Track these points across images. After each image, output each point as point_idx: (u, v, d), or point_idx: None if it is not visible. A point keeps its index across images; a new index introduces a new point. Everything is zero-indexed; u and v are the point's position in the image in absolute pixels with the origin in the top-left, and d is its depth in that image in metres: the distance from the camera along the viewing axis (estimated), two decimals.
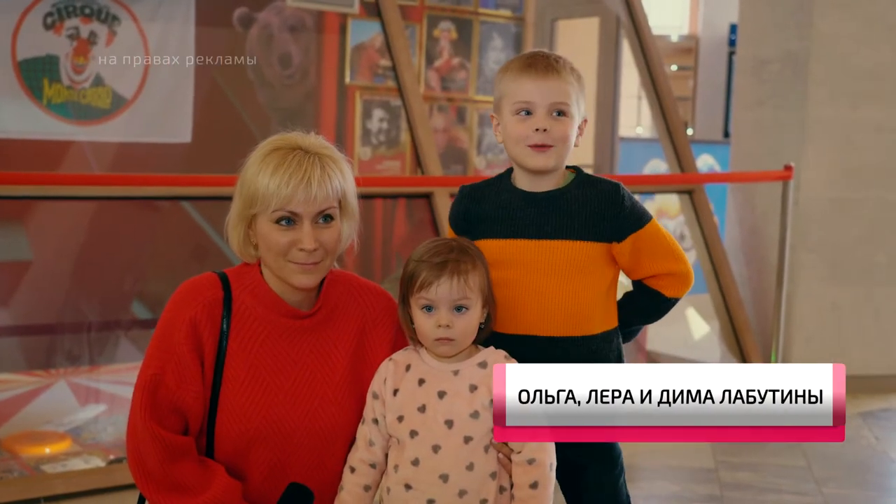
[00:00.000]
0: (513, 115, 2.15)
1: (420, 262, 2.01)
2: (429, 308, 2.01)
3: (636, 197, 2.22)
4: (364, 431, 2.09)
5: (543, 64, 2.14)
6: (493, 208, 2.20)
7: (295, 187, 2.01)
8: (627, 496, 2.29)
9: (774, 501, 3.86)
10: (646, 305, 2.28)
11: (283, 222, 2.03)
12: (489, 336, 2.13)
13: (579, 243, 2.14)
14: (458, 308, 2.00)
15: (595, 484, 2.22)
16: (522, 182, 2.20)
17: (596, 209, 2.15)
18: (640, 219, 2.18)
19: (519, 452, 1.99)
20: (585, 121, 2.20)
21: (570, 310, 2.14)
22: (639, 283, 2.27)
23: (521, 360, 2.02)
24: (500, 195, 2.21)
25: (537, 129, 2.12)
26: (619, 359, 2.24)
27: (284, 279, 2.08)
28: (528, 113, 2.13)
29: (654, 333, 5.84)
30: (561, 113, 2.12)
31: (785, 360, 5.33)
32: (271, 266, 2.08)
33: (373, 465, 2.08)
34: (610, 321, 2.22)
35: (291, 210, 2.02)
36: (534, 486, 1.99)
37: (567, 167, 2.23)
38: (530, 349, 2.13)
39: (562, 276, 2.14)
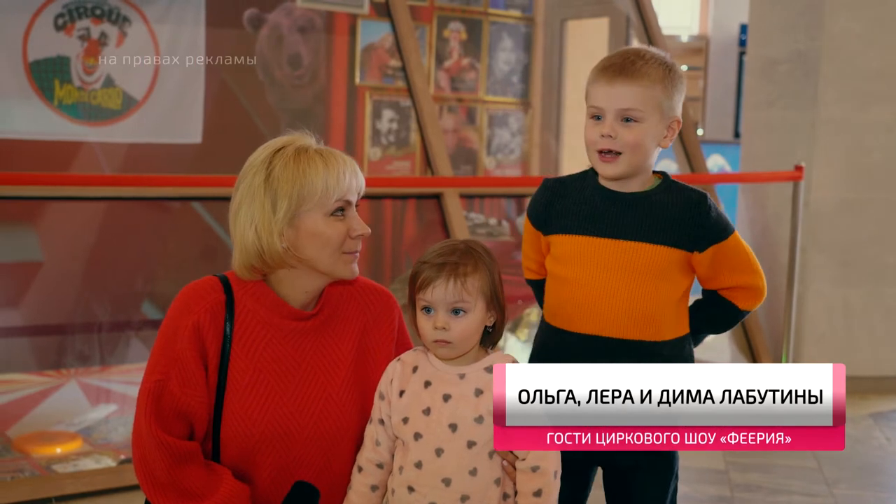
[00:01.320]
0: (588, 118, 2.14)
1: (423, 264, 2.01)
2: (428, 309, 2.00)
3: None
4: (371, 431, 2.09)
5: (618, 68, 2.09)
6: (576, 203, 2.17)
7: (351, 177, 2.08)
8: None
9: (785, 502, 3.85)
10: (718, 316, 2.26)
11: (338, 213, 2.07)
12: (555, 336, 2.16)
13: (659, 247, 2.12)
14: (456, 311, 1.99)
15: (643, 489, 2.19)
16: (607, 181, 2.17)
17: (679, 216, 2.13)
18: (724, 230, 2.15)
19: (523, 459, 1.99)
20: (678, 121, 2.15)
21: (643, 313, 2.12)
22: (712, 293, 2.24)
23: (587, 361, 1.97)
24: (584, 191, 2.18)
25: (603, 135, 2.10)
26: None
27: (335, 274, 2.10)
28: (600, 118, 2.11)
29: None
30: (630, 119, 2.09)
31: (795, 361, 5.31)
32: (321, 263, 2.08)
33: (380, 465, 2.08)
34: (682, 328, 2.19)
35: (348, 199, 2.08)
36: (537, 494, 1.98)
37: (654, 172, 2.20)
38: (599, 350, 2.11)
39: (638, 279, 2.11)
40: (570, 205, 2.18)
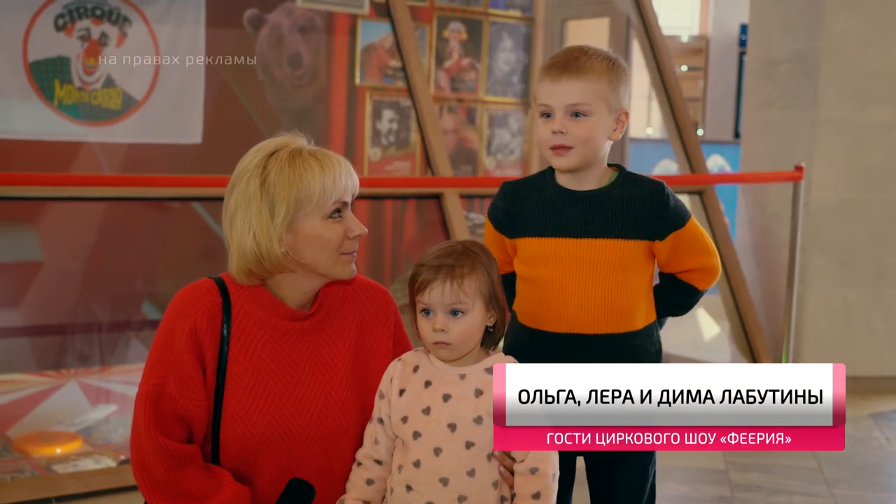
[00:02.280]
0: (538, 117, 2.18)
1: (421, 266, 2.02)
2: (427, 311, 2.01)
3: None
4: (371, 430, 2.09)
5: (562, 65, 2.14)
6: (537, 206, 2.21)
7: (346, 179, 2.08)
8: (653, 493, 2.31)
9: (785, 502, 3.85)
10: (679, 298, 2.31)
11: (335, 214, 2.07)
12: (527, 337, 2.18)
13: (623, 241, 2.16)
14: (454, 312, 1.99)
15: (627, 481, 2.25)
16: (564, 180, 2.21)
17: (640, 208, 2.17)
18: (682, 217, 2.20)
19: (521, 462, 1.98)
20: (626, 114, 2.20)
21: (616, 306, 2.17)
22: (671, 277, 2.28)
23: (561, 359, 2.00)
24: (544, 192, 2.22)
25: (554, 132, 2.13)
26: (658, 352, 2.27)
27: (334, 275, 2.10)
28: (549, 115, 2.15)
29: (665, 334, 5.83)
30: (579, 113, 2.12)
31: (795, 361, 5.31)
32: (321, 265, 2.08)
33: (378, 462, 2.08)
34: (650, 315, 2.25)
35: (345, 200, 2.09)
36: (536, 496, 1.98)
37: (609, 165, 2.24)
38: (571, 347, 2.15)
39: (607, 274, 2.16)
40: (532, 207, 2.22)
